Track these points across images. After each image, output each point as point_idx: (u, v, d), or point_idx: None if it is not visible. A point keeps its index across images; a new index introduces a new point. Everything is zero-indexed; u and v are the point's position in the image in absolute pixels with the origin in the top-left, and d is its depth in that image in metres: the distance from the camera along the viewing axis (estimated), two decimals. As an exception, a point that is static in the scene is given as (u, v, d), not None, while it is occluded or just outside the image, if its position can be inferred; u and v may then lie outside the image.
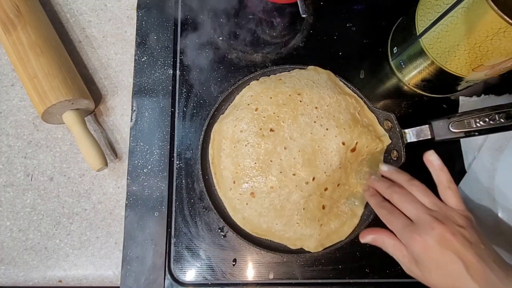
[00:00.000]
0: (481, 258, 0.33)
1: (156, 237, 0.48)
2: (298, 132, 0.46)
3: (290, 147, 0.45)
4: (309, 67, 0.51)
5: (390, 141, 0.48)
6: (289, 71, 0.52)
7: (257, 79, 0.51)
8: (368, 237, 0.40)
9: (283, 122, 0.46)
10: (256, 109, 0.47)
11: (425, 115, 0.47)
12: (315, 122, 0.46)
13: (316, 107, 0.47)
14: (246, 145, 0.46)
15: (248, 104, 0.48)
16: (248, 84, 0.51)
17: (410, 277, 0.37)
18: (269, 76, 0.51)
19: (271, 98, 0.47)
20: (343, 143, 0.45)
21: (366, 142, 0.47)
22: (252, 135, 0.46)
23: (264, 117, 0.47)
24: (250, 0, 0.57)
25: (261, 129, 0.46)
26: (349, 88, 0.51)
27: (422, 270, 0.35)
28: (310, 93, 0.47)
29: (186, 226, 0.49)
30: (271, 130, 0.46)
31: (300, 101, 0.47)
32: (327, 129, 0.46)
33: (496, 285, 0.31)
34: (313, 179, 0.45)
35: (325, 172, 0.45)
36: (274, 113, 0.47)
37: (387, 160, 0.48)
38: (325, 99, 0.47)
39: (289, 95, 0.47)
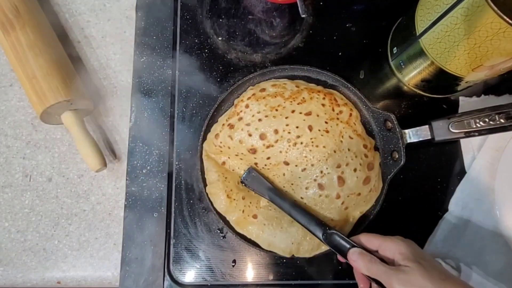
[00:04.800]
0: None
1: (155, 238, 0.48)
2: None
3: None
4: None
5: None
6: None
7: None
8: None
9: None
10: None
11: (425, 115, 0.47)
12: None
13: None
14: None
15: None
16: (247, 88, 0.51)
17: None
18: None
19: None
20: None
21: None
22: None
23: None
24: (249, 0, 0.57)
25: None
26: (349, 88, 0.51)
27: None
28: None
29: (186, 227, 0.49)
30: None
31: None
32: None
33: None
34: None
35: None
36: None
37: (387, 161, 0.48)
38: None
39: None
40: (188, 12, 0.56)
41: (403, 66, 0.51)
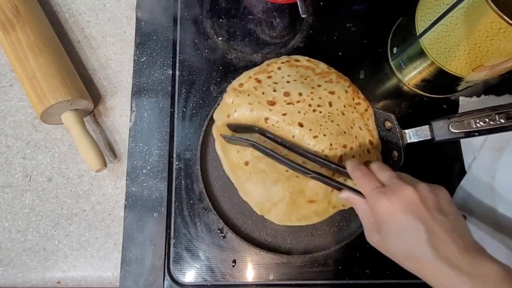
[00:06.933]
0: (446, 228, 0.31)
1: (155, 238, 0.48)
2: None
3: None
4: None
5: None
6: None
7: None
8: (346, 193, 0.39)
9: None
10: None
11: (425, 115, 0.47)
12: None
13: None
14: None
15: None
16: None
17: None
18: None
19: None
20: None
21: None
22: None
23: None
24: (249, 0, 0.57)
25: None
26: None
27: (382, 236, 0.34)
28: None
29: (186, 227, 0.49)
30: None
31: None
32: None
33: (456, 258, 0.29)
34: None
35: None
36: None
37: (387, 161, 0.48)
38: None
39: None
40: (188, 12, 0.56)
41: (403, 66, 0.51)
